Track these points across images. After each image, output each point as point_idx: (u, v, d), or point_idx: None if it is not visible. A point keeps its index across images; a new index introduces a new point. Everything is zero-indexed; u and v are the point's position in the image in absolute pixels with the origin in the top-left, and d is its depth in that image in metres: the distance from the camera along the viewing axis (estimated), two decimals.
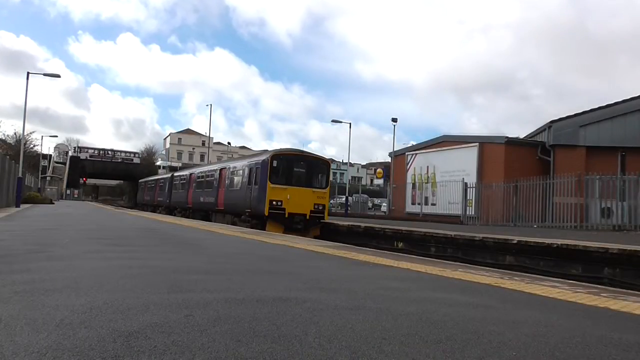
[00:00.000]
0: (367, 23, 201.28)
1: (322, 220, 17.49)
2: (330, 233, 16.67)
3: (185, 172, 30.93)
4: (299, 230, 16.24)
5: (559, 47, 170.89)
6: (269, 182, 17.07)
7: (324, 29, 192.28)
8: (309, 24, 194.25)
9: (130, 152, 76.96)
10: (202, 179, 25.51)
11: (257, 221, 17.29)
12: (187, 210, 27.25)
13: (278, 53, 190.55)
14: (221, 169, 22.91)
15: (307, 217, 17.15)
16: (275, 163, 17.53)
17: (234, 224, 18.17)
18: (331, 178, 20.91)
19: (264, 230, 15.20)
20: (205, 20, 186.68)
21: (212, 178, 23.67)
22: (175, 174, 33.50)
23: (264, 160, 17.77)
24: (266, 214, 16.79)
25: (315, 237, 14.81)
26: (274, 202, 16.80)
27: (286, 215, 16.86)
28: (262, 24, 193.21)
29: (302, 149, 21.67)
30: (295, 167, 17.92)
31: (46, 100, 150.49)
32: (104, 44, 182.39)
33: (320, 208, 17.49)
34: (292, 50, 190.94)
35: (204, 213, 23.89)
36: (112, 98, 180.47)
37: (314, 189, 17.60)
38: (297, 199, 17.05)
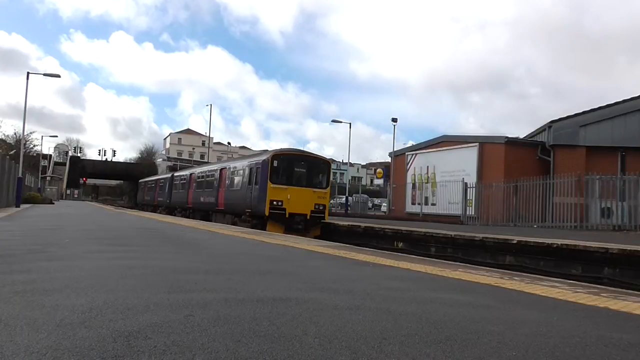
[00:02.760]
0: (360, 21, 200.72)
1: (322, 221, 17.36)
2: (330, 233, 16.64)
3: (186, 172, 30.79)
4: (300, 231, 16.08)
5: (556, 45, 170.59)
6: (269, 182, 16.94)
7: (316, 27, 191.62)
8: (301, 22, 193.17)
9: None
10: (203, 179, 25.35)
11: (258, 221, 17.18)
12: (187, 211, 27.13)
13: (271, 51, 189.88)
14: (221, 169, 22.77)
15: (308, 217, 17.01)
16: (275, 163, 17.38)
17: (234, 224, 18.03)
18: (331, 178, 20.77)
19: (265, 230, 15.10)
20: (196, 17, 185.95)
21: (213, 178, 23.53)
22: (176, 174, 33.34)
23: (264, 160, 17.64)
24: (267, 214, 16.68)
25: (316, 237, 14.66)
26: (275, 202, 16.68)
27: (287, 216, 16.73)
28: (254, 21, 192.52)
29: (302, 149, 21.56)
30: (295, 167, 17.79)
31: (41, 99, 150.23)
32: (97, 43, 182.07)
33: (321, 208, 17.37)
34: (285, 49, 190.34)
35: (204, 213, 23.75)
36: (107, 97, 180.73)
37: (314, 189, 17.48)
38: (298, 199, 16.92)
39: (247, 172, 18.96)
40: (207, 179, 24.51)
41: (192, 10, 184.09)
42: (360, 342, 2.24)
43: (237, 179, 20.19)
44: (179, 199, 29.99)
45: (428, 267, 5.65)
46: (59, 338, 2.10)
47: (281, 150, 19.31)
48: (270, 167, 17.14)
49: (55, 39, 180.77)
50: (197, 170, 28.47)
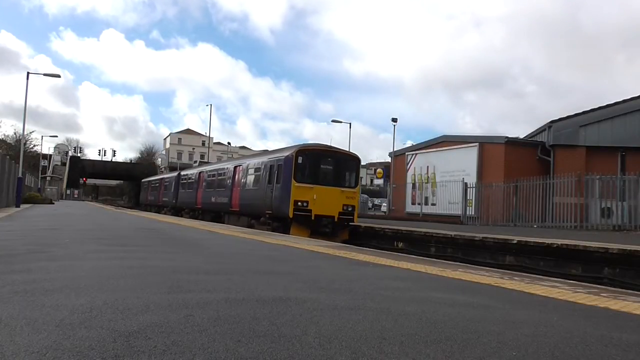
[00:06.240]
0: (352, 18, 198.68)
1: (351, 223, 15.96)
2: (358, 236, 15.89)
3: (194, 171, 29.33)
4: (327, 234, 14.73)
5: (552, 42, 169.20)
6: (293, 181, 15.38)
7: (308, 25, 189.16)
8: (292, 19, 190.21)
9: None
10: (214, 178, 23.70)
11: (279, 224, 15.68)
12: (196, 211, 25.67)
13: (263, 49, 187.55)
14: (235, 167, 21.06)
15: (336, 219, 15.51)
16: (300, 159, 15.72)
17: (250, 226, 16.88)
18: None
19: (288, 234, 13.94)
20: (185, 13, 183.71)
21: (225, 177, 21.89)
22: (182, 172, 31.87)
23: (287, 157, 16.03)
24: (290, 215, 15.16)
25: (344, 242, 13.37)
26: (299, 203, 15.16)
27: (312, 218, 15.20)
28: (244, 18, 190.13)
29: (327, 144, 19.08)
30: (322, 163, 16.22)
31: (36, 98, 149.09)
32: (87, 41, 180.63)
33: (350, 209, 15.82)
34: (277, 47, 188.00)
35: (216, 214, 22.28)
36: (101, 96, 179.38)
37: (342, 188, 15.94)
38: (325, 200, 15.40)
39: (267, 169, 17.27)
40: (219, 177, 22.88)
41: (181, 6, 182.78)
42: (360, 342, 2.24)
43: (255, 178, 18.54)
44: (186, 199, 28.39)
45: (428, 267, 5.65)
46: (59, 338, 2.10)
47: (306, 145, 17.49)
48: (294, 164, 15.54)
49: (44, 37, 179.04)
50: (207, 168, 26.54)
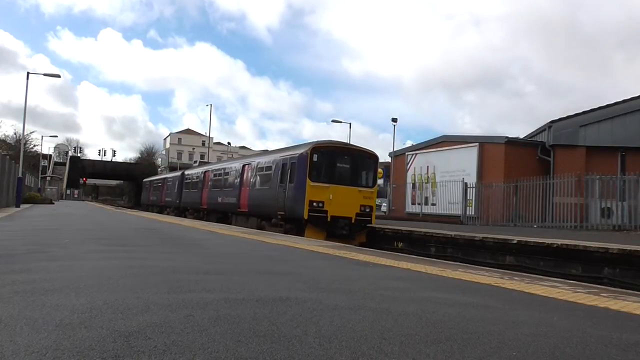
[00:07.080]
0: (350, 18, 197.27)
1: (369, 225, 15.33)
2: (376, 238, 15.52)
3: (198, 170, 28.49)
4: (344, 237, 14.15)
5: (551, 41, 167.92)
6: (308, 180, 14.62)
7: (306, 25, 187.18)
8: (290, 19, 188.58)
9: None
10: (220, 177, 22.88)
11: (293, 225, 14.96)
12: (201, 212, 24.87)
13: (261, 49, 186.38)
14: (244, 165, 20.17)
15: (353, 220, 14.84)
16: (315, 157, 14.91)
17: (261, 228, 16.18)
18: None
19: (302, 235, 13.43)
20: (182, 12, 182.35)
21: (233, 176, 21.09)
22: (187, 172, 31.08)
23: (301, 154, 15.21)
24: (305, 217, 14.41)
25: (362, 245, 12.90)
26: (315, 204, 14.44)
27: (328, 219, 14.52)
28: (242, 18, 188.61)
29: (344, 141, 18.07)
30: (338, 162, 15.44)
31: (34, 97, 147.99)
32: (85, 41, 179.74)
33: (368, 210, 15.17)
34: (275, 46, 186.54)
35: (222, 215, 21.45)
36: (100, 96, 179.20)
37: (360, 188, 15.25)
38: (341, 200, 14.74)
39: (279, 168, 16.40)
40: (226, 176, 22.07)
41: (178, 5, 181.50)
42: (360, 342, 2.24)
43: (265, 176, 17.67)
44: (190, 199, 27.48)
45: (428, 267, 5.65)
46: (59, 338, 2.10)
47: (322, 142, 16.46)
48: (309, 162, 14.78)
49: (42, 37, 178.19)
50: (213, 167, 25.77)
